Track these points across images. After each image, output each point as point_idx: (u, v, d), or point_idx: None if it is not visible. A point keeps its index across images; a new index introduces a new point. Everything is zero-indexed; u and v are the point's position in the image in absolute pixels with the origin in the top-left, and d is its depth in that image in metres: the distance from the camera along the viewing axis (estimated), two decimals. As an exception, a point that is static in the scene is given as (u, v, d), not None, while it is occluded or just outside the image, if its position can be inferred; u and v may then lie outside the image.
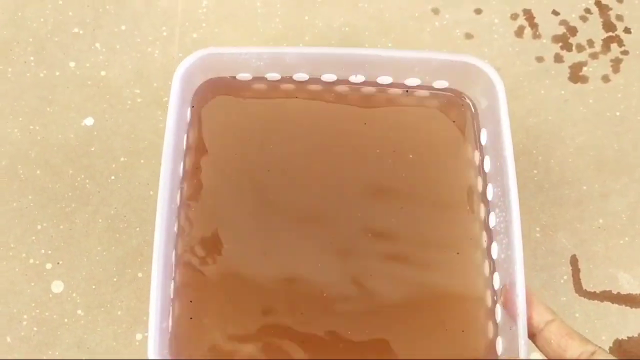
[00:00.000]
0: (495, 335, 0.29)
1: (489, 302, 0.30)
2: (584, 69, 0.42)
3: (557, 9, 0.44)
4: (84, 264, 0.37)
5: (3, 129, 0.39)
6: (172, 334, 0.29)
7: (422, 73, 0.33)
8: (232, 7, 0.43)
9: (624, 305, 0.37)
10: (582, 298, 0.37)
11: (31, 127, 0.40)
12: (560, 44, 0.43)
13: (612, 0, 0.44)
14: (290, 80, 0.33)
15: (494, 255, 0.30)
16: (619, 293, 0.37)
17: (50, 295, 0.36)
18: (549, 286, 0.37)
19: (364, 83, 0.33)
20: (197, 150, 0.32)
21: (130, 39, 0.42)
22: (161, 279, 0.27)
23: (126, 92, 0.41)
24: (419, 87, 0.33)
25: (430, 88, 0.33)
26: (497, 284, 0.30)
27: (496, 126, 0.31)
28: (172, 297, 0.29)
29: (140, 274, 0.37)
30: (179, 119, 0.31)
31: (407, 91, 0.33)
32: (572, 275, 0.38)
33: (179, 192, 0.31)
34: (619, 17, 0.43)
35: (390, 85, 0.33)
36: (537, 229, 0.38)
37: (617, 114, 0.41)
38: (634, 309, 0.37)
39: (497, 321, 0.29)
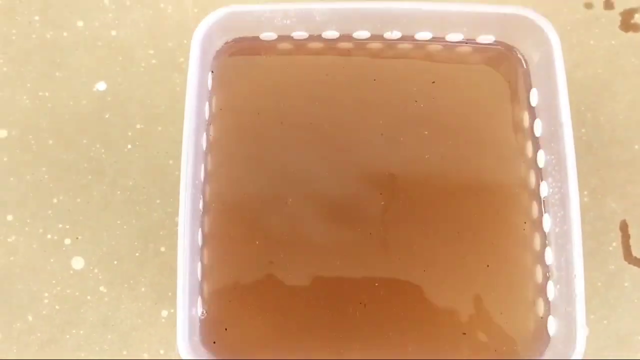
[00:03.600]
0: (547, 313, 0.27)
1: (539, 277, 0.28)
2: (636, 16, 0.39)
3: (607, -51, 0.40)
4: (104, 239, 0.35)
5: (11, 97, 0.37)
6: (202, 317, 0.27)
7: (466, 27, 0.30)
8: (249, -45, 0.39)
9: (676, 273, 0.35)
10: (632, 266, 0.35)
11: (40, 93, 0.37)
12: (610, -12, 0.39)
13: (668, -63, 0.39)
14: (319, 38, 0.30)
15: (546, 228, 0.28)
16: (671, 260, 0.35)
17: (71, 272, 0.35)
18: (596, 254, 0.35)
19: (401, 39, 0.30)
20: (220, 119, 0.30)
21: (141, -6, 0.39)
22: (188, 261, 0.25)
23: (139, 53, 0.38)
24: (461, 42, 0.30)
25: (475, 43, 0.30)
26: (549, 259, 0.28)
27: (550, 86, 0.28)
28: (200, 279, 0.27)
29: (163, 249, 0.35)
30: (199, 87, 0.28)
31: (448, 47, 0.30)
32: (622, 242, 0.35)
33: (203, 165, 0.29)
34: (675, -44, 0.39)
35: (430, 41, 0.30)
36: (585, 192, 0.36)
37: (672, 65, 0.38)
38: (687, 276, 0.35)
39: (549, 299, 0.27)
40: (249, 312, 0.27)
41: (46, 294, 0.34)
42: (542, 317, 0.27)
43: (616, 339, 0.34)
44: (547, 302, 0.27)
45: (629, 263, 0.35)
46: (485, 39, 0.30)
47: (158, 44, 0.38)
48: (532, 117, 0.29)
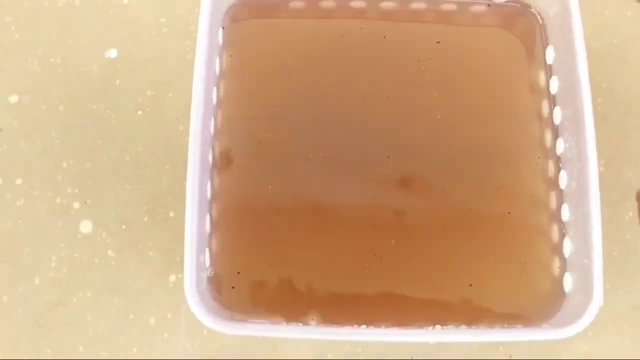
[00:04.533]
0: (563, 271, 0.27)
1: (556, 235, 0.27)
2: (652, -14, 0.38)
3: None
4: (113, 203, 0.35)
5: (22, 62, 0.37)
6: (209, 269, 0.27)
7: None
8: None
9: (694, 244, 0.34)
10: (649, 236, 0.34)
11: (51, 60, 0.37)
12: (626, -42, 0.39)
13: None
14: (329, -4, 0.30)
15: (562, 185, 0.27)
16: (688, 230, 0.34)
17: (79, 236, 0.34)
18: (612, 223, 0.34)
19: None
20: (230, 76, 0.30)
21: (153, -36, 0.39)
22: (196, 212, 0.25)
23: (150, 20, 0.38)
24: (475, 2, 0.30)
25: (487, 2, 0.30)
26: (565, 216, 0.27)
27: (566, 42, 0.27)
28: (208, 232, 0.27)
29: (172, 214, 0.34)
30: (210, 41, 0.28)
31: (462, 6, 0.30)
32: (638, 212, 0.35)
33: (213, 120, 0.29)
34: None
35: (443, 0, 0.30)
36: (601, 162, 0.35)
37: (690, 36, 0.37)
38: None
39: (565, 256, 0.27)
40: (262, 263, 0.27)
41: (54, 257, 0.34)
42: (558, 275, 0.27)
43: (632, 308, 0.33)
44: (563, 259, 0.27)
45: (646, 233, 0.35)
46: (499, -2, 0.30)
47: (169, 12, 0.38)
48: (548, 75, 0.29)
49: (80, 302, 0.33)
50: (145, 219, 0.34)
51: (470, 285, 0.26)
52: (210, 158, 0.28)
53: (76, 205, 0.35)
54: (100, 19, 0.38)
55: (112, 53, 0.37)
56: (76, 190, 0.35)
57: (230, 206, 0.28)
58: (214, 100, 0.29)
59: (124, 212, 0.35)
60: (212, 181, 0.28)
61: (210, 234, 0.27)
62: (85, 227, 0.35)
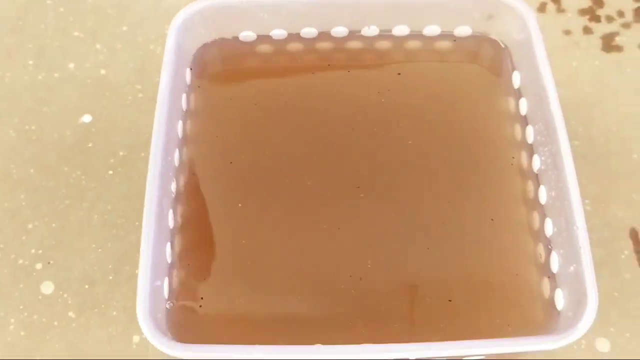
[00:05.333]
0: (553, 289, 0.24)
1: (542, 254, 0.25)
2: (617, 38, 0.39)
3: (580, -16, 0.41)
4: (77, 263, 0.33)
5: (-3, 131, 0.37)
6: (169, 301, 0.24)
7: (442, 18, 0.30)
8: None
9: (698, 282, 0.32)
10: (649, 275, 0.32)
11: (26, 127, 0.37)
12: (588, 16, 0.40)
13: (638, -28, 0.41)
14: (297, 37, 0.31)
15: (542, 200, 0.26)
16: (690, 268, 0.32)
17: (40, 297, 0.32)
18: (608, 263, 0.32)
19: (379, 37, 0.30)
20: (196, 116, 0.29)
21: (132, 39, 0.40)
22: (153, 229, 0.23)
23: (126, 88, 0.38)
24: (439, 36, 0.30)
25: (452, 37, 0.30)
26: (549, 230, 0.25)
27: (531, 64, 0.27)
28: (169, 261, 0.25)
29: (138, 271, 0.32)
30: (175, 78, 0.28)
31: (426, 41, 0.30)
32: (634, 250, 0.33)
33: (178, 154, 0.28)
34: (648, -12, 0.41)
35: (407, 37, 0.30)
36: (587, 201, 0.34)
37: (660, 81, 0.37)
38: None
39: (554, 272, 0.24)
40: (228, 292, 0.24)
41: (12, 320, 0.32)
42: (548, 298, 0.24)
43: (641, 351, 0.30)
44: (552, 278, 0.25)
45: (645, 272, 0.32)
46: (462, 30, 0.30)
47: (145, 79, 0.38)
48: (517, 99, 0.29)
49: (35, 368, 0.30)
50: (110, 277, 0.32)
51: (449, 300, 0.24)
52: (173, 187, 0.26)
53: (38, 266, 0.33)
54: (77, 88, 0.38)
55: (87, 118, 0.37)
56: (40, 251, 0.33)
57: (192, 238, 0.26)
58: (180, 135, 0.28)
59: (88, 272, 0.33)
60: (174, 211, 0.26)
61: (172, 264, 0.25)
62: (47, 288, 0.32)
